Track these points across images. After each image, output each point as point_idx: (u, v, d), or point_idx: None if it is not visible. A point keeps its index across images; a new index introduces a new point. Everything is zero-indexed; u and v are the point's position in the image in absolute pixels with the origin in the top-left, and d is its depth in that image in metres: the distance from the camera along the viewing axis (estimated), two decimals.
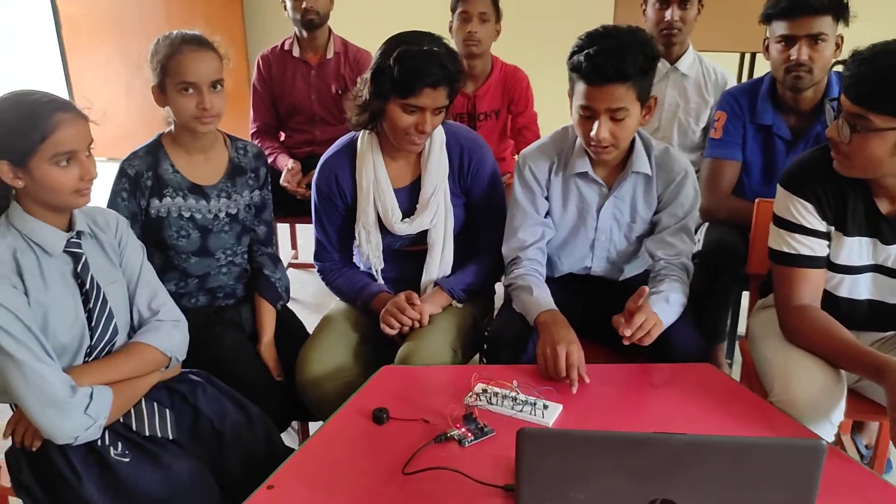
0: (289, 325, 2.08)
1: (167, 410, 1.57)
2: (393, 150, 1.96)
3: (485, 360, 1.92)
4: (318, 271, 2.10)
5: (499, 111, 2.96)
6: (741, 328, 2.63)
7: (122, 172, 1.86)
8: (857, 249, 1.67)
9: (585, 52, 1.68)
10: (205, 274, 1.97)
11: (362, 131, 1.96)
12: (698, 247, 2.32)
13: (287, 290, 2.09)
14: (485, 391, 1.59)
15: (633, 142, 1.84)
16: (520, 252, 1.91)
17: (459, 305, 1.99)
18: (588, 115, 1.74)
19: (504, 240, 1.95)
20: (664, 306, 1.75)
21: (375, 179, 1.95)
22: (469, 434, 1.46)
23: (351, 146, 1.99)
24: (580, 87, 1.73)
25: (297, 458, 1.41)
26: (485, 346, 1.97)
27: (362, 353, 1.95)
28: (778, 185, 1.72)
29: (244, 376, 1.81)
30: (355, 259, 2.12)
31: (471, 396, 1.56)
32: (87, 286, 1.50)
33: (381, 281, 2.06)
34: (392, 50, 1.81)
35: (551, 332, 1.68)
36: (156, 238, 1.91)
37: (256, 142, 3.09)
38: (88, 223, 1.55)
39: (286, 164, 2.91)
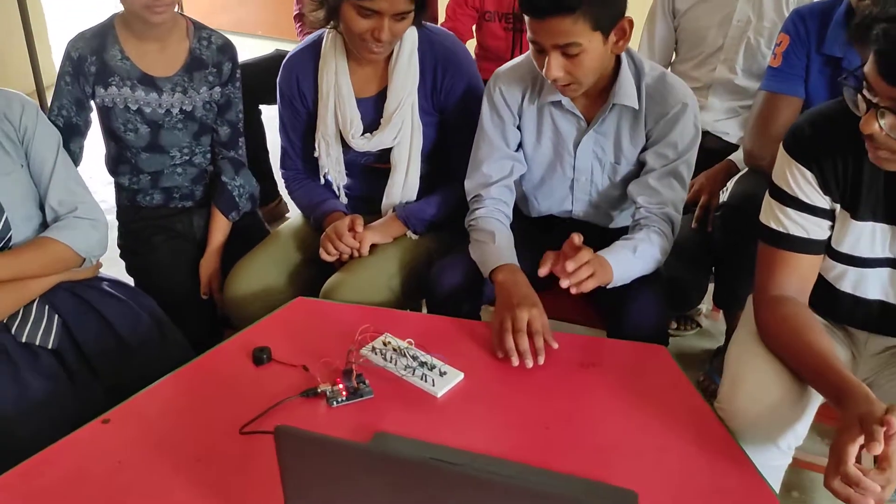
0: (251, 235, 1.95)
1: (56, 317, 1.51)
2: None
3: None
4: (283, 179, 1.95)
5: None
6: None
7: (66, 55, 1.76)
8: (868, 238, 1.32)
9: None
10: (158, 171, 1.87)
11: (327, 30, 1.75)
12: (725, 198, 1.98)
13: (252, 198, 1.96)
14: (386, 344, 1.42)
15: (618, 67, 1.53)
16: (482, 189, 1.67)
17: (415, 237, 1.80)
18: (538, 48, 1.44)
19: (467, 173, 1.71)
20: (628, 256, 1.48)
21: (337, 86, 1.74)
22: (343, 392, 1.31)
23: (316, 46, 1.78)
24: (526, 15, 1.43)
25: (150, 392, 1.32)
26: None
27: (301, 276, 1.81)
28: (780, 145, 1.37)
29: (169, 290, 1.73)
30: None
31: (366, 349, 1.41)
32: None
33: (343, 198, 1.89)
34: None
35: (510, 293, 1.46)
36: (107, 128, 1.83)
37: (298, 26, 2.91)
38: None
39: None
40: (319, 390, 1.31)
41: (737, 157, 2.11)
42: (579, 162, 1.64)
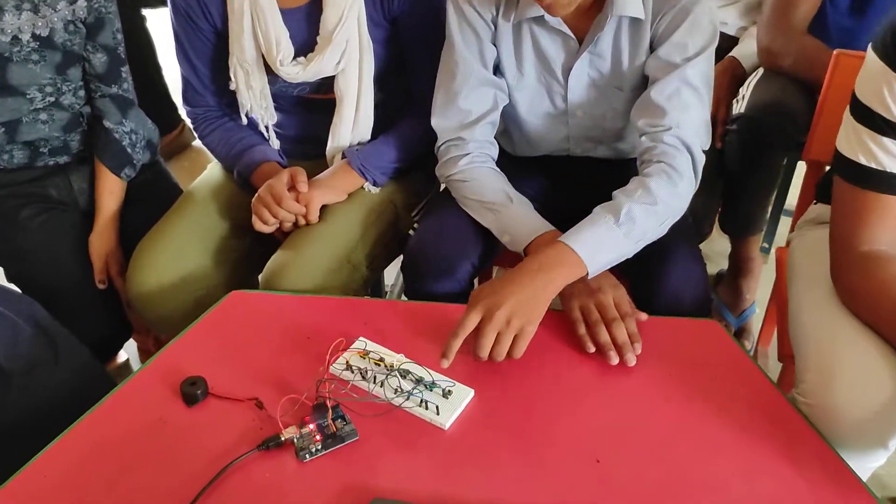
0: (156, 196, 1.50)
1: None
2: None
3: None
4: (189, 118, 1.49)
5: None
6: (790, 201, 2.01)
7: None
8: None
9: None
10: (14, 120, 1.38)
11: None
12: (740, 108, 1.64)
13: (150, 146, 1.50)
14: (365, 355, 1.06)
15: None
16: (464, 131, 1.26)
17: (375, 190, 1.40)
18: None
19: (436, 109, 1.29)
20: (607, 232, 1.09)
21: None
22: (316, 437, 0.95)
23: None
24: None
25: (37, 467, 0.92)
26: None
27: (230, 254, 1.39)
28: (869, 47, 1.03)
29: (53, 282, 1.30)
30: None
31: (337, 365, 1.04)
32: None
33: (274, 141, 1.46)
34: None
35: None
36: None
37: None
38: None
39: None
40: (284, 438, 0.94)
41: (740, 52, 1.77)
42: (572, 93, 1.26)
